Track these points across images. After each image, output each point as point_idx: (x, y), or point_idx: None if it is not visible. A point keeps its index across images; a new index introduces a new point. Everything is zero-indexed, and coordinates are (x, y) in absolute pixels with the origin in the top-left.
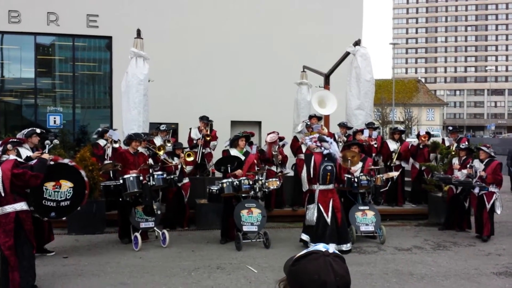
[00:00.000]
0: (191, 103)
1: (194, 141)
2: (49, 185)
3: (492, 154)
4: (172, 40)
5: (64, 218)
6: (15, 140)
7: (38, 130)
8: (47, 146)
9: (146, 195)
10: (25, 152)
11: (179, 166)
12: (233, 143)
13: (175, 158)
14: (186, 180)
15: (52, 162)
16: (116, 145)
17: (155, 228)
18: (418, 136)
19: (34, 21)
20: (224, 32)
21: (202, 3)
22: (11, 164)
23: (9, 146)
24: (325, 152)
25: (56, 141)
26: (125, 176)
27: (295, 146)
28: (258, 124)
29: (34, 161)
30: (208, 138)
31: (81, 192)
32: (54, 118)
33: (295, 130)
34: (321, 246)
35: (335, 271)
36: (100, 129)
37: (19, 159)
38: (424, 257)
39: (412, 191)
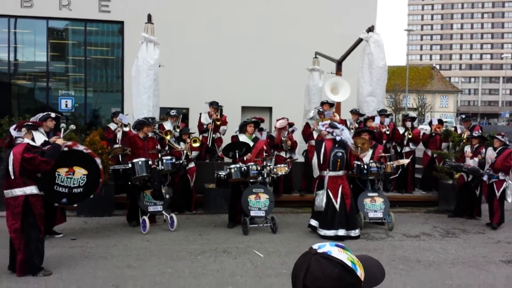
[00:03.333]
0: (202, 88)
1: (204, 126)
2: (62, 171)
3: (507, 142)
4: (183, 24)
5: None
6: (30, 124)
7: (53, 114)
8: (62, 129)
9: (154, 180)
10: (39, 136)
11: (185, 152)
12: (242, 128)
13: (181, 143)
14: (192, 165)
15: (66, 148)
16: (126, 129)
17: (163, 212)
18: (430, 124)
19: (46, 6)
20: (236, 18)
21: None
22: (22, 148)
23: (23, 130)
24: (337, 138)
25: (72, 127)
26: (134, 160)
27: (307, 132)
28: (269, 109)
29: (48, 146)
30: (218, 123)
31: (95, 180)
32: (66, 101)
33: (306, 116)
34: (331, 233)
35: (309, 270)
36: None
37: (32, 143)
38: (432, 244)
39: (422, 178)
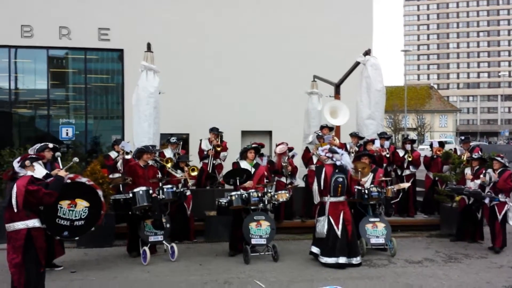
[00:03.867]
0: (202, 113)
1: (205, 152)
2: (64, 204)
3: (507, 164)
4: (182, 51)
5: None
6: (34, 156)
7: (50, 145)
8: (58, 158)
9: (155, 209)
10: (38, 167)
11: (182, 180)
12: (243, 155)
13: (179, 171)
14: (188, 193)
15: (69, 181)
16: (128, 157)
17: (163, 241)
18: (431, 146)
19: (46, 35)
20: (234, 43)
21: (212, 14)
22: (26, 181)
23: (27, 162)
24: (337, 163)
25: (76, 159)
26: (135, 190)
27: (307, 157)
28: (269, 133)
29: (51, 179)
30: (218, 149)
31: (96, 212)
32: (67, 130)
33: (306, 141)
34: (332, 261)
35: None
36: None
37: (35, 176)
38: (435, 270)
39: (424, 201)
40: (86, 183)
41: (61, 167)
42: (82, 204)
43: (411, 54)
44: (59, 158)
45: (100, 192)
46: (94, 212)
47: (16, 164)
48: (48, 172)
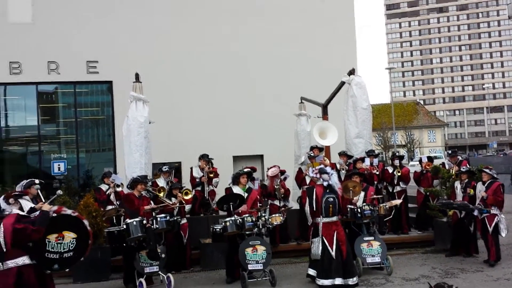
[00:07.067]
0: (193, 141)
1: (197, 180)
2: (52, 237)
3: (495, 175)
4: (171, 80)
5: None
6: (17, 193)
7: (36, 181)
8: (38, 191)
9: (150, 239)
10: (26, 203)
11: (177, 207)
12: (235, 180)
13: (173, 199)
14: (184, 221)
15: (54, 214)
16: (119, 189)
17: (159, 272)
18: (420, 161)
19: (35, 71)
20: (222, 70)
21: (200, 43)
22: (13, 219)
23: (11, 200)
24: (325, 184)
25: (59, 192)
26: (128, 221)
27: (300, 177)
28: (261, 157)
29: (36, 213)
30: (211, 175)
31: (84, 242)
32: (59, 165)
33: (297, 162)
34: (328, 282)
35: None
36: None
37: (21, 213)
38: None
39: (417, 217)
40: (71, 215)
41: (43, 200)
42: (69, 236)
43: (395, 71)
44: (39, 191)
45: (86, 222)
46: (82, 242)
47: (3, 203)
48: (32, 207)
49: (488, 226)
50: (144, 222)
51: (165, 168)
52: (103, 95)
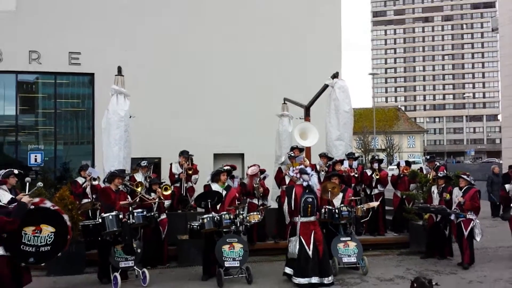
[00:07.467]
0: (174, 137)
1: (176, 176)
2: (29, 230)
3: (472, 182)
4: (153, 75)
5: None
6: None
7: (15, 171)
8: (27, 183)
9: (125, 234)
10: (2, 193)
11: (156, 202)
12: (215, 177)
13: (152, 194)
14: (163, 216)
15: (32, 206)
16: (95, 183)
17: (135, 267)
18: (398, 165)
19: (15, 60)
20: (205, 67)
21: (183, 39)
22: None
23: None
24: (305, 184)
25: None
26: (104, 215)
27: (279, 177)
28: (241, 156)
29: (14, 204)
30: (190, 172)
31: (63, 237)
32: (35, 156)
33: (278, 162)
34: (305, 281)
35: None
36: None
37: None
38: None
39: (394, 220)
40: (51, 208)
41: (27, 193)
42: (47, 230)
43: (379, 77)
44: (27, 184)
45: (66, 217)
46: (60, 237)
47: None
48: (13, 197)
49: (464, 230)
50: (120, 216)
51: (144, 163)
52: (84, 87)
